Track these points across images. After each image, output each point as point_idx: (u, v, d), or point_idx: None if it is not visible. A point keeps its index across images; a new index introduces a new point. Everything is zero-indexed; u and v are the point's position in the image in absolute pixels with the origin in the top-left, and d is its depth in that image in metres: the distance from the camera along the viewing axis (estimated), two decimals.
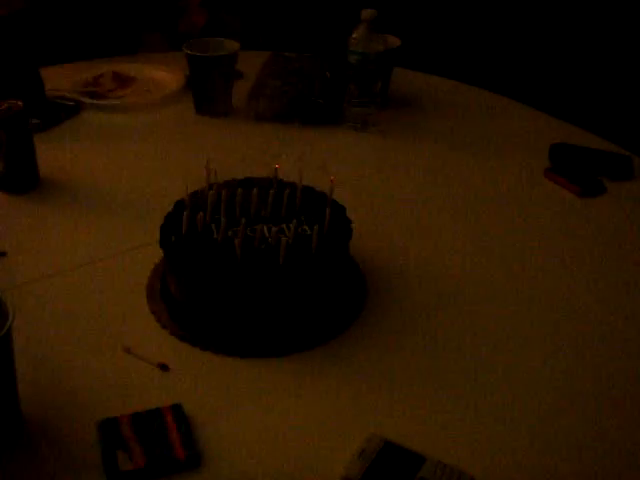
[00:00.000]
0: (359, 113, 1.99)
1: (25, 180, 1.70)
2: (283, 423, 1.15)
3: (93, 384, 1.20)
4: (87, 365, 1.24)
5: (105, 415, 1.11)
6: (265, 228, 1.33)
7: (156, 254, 1.37)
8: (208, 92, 2.05)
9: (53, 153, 1.86)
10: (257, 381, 1.23)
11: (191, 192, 1.38)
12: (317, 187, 1.44)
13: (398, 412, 1.18)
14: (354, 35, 1.93)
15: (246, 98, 2.07)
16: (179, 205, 1.37)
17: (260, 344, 1.28)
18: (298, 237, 1.31)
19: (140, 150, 1.91)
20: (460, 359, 1.29)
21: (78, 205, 1.68)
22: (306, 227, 1.34)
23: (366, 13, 1.91)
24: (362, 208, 1.57)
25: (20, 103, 1.64)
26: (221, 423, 1.14)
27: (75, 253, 1.51)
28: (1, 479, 1.03)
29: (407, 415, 1.17)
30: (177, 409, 1.12)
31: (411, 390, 1.22)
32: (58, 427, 1.12)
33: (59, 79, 2.14)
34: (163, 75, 2.22)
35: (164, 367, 1.23)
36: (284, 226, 1.33)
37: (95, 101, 2.12)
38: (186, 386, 1.21)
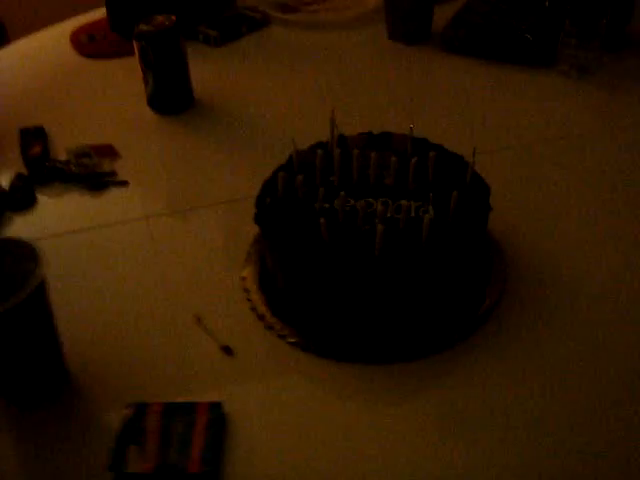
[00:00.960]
0: (577, 56, 1.59)
1: (175, 100, 1.57)
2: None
3: (145, 353, 1.07)
4: (146, 330, 1.11)
5: (141, 393, 0.98)
6: (378, 203, 1.07)
7: None
8: (404, 14, 1.77)
9: (222, 71, 1.72)
10: (351, 395, 1.02)
11: (311, 146, 1.16)
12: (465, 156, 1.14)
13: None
14: None
15: (447, 25, 1.75)
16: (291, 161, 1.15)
17: (367, 347, 1.05)
18: (410, 221, 1.04)
19: (315, 76, 1.70)
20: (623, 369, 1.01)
21: (224, 136, 1.53)
22: (429, 208, 1.06)
23: None
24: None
25: (173, 18, 1.50)
26: (271, 437, 0.96)
27: (202, 191, 1.38)
28: (46, 430, 0.97)
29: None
30: (215, 409, 0.95)
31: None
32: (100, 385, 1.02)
33: None
34: None
35: (228, 350, 1.06)
36: (405, 203, 1.06)
37: (284, 15, 1.92)
38: (251, 385, 1.03)
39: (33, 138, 1.51)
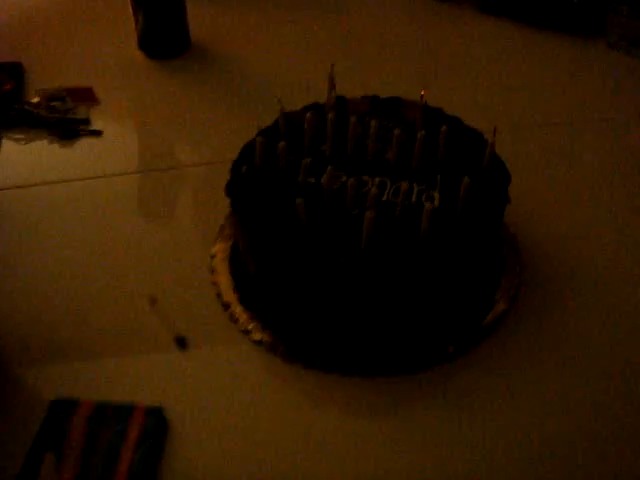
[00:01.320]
0: (627, 26, 1.38)
1: (168, 43, 1.40)
2: None
3: (85, 335, 0.91)
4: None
5: (72, 385, 0.83)
6: (374, 183, 0.89)
7: None
8: None
9: (225, 13, 1.54)
10: (321, 406, 0.86)
11: (304, 107, 0.98)
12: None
13: None
14: None
15: None
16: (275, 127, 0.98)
17: (346, 356, 0.89)
18: (409, 208, 0.86)
19: (326, 26, 1.51)
20: None
21: (219, 87, 1.35)
22: (435, 194, 0.89)
23: None
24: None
25: None
26: (222, 450, 0.80)
27: (182, 150, 1.22)
28: None
29: None
30: (154, 415, 0.80)
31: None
32: None
33: None
34: None
35: (181, 343, 0.90)
36: (406, 185, 0.89)
37: None
38: (203, 386, 0.87)
39: (7, 75, 1.34)
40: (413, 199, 0.88)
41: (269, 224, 0.84)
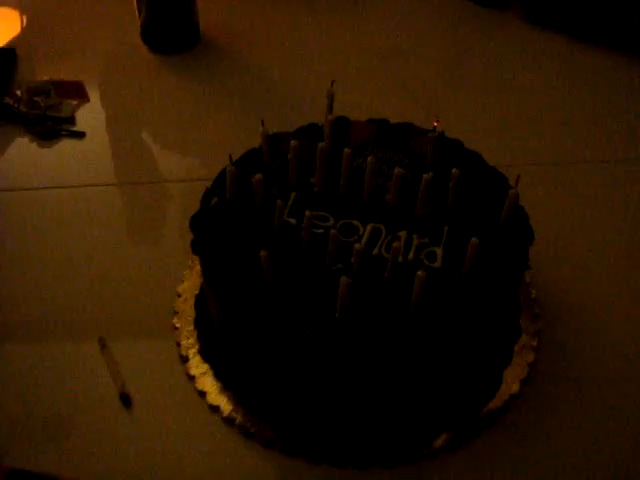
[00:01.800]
0: None
1: (174, 36, 1.26)
2: None
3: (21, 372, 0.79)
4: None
5: None
6: (366, 231, 0.74)
7: None
8: None
9: (241, 5, 1.39)
10: None
11: (298, 129, 0.84)
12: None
13: None
14: None
15: None
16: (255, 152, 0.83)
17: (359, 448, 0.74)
18: (403, 268, 0.71)
19: (351, 26, 1.35)
20: None
21: (227, 89, 1.20)
22: (438, 250, 0.73)
23: None
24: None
25: None
26: None
27: (171, 162, 1.08)
28: None
29: None
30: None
31: None
32: None
33: None
34: None
35: (126, 401, 0.76)
36: (404, 235, 0.74)
37: None
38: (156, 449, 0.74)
39: None
40: (410, 256, 0.73)
41: (231, 276, 0.70)
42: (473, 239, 0.68)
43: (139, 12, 1.24)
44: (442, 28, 1.34)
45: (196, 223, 0.75)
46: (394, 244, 0.68)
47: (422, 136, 0.85)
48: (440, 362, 0.70)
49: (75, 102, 1.15)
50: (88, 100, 1.16)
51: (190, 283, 0.86)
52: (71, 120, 1.13)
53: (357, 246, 0.68)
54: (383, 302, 0.68)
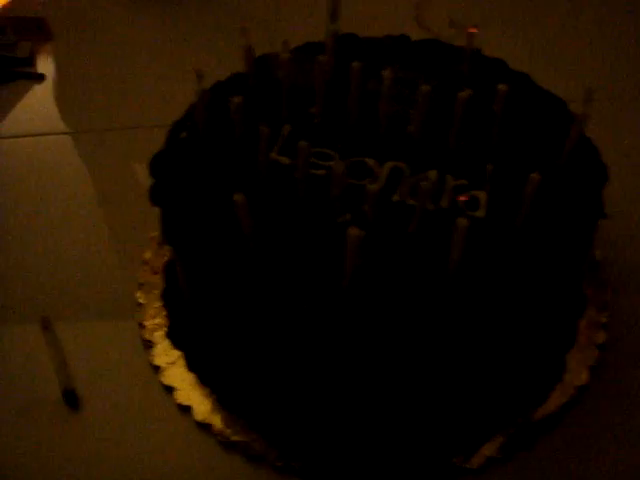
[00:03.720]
0: None
1: None
2: None
3: None
4: None
5: None
6: (384, 170, 0.55)
7: None
8: None
9: None
10: None
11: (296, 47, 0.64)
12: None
13: None
14: None
15: None
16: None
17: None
18: (436, 218, 0.52)
19: None
20: None
21: (204, 10, 1.01)
22: (481, 195, 0.54)
23: None
24: None
25: None
26: None
27: (143, 104, 0.89)
28: None
29: None
30: None
31: None
32: None
33: None
34: None
35: (71, 399, 0.58)
36: (434, 175, 0.55)
37: None
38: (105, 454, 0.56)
39: None
40: (444, 202, 0.54)
41: (200, 231, 0.51)
42: (533, 175, 0.49)
43: None
44: None
45: (157, 165, 0.57)
46: (422, 184, 0.49)
47: (452, 53, 0.66)
48: (485, 346, 0.51)
49: (35, 41, 0.97)
50: (51, 38, 0.98)
51: (156, 250, 0.67)
52: (29, 61, 0.94)
53: (372, 188, 0.49)
54: (407, 265, 0.49)
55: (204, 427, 0.56)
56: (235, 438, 0.55)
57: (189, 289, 0.57)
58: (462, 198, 0.49)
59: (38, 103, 0.90)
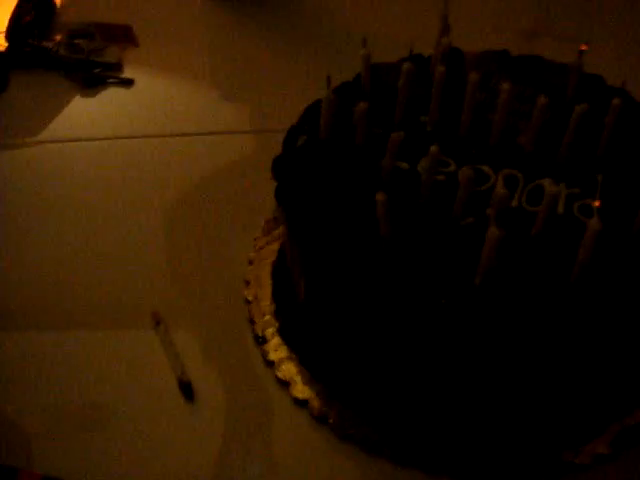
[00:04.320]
0: None
1: None
2: None
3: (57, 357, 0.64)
4: None
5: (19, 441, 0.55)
6: (499, 178, 0.58)
7: None
8: None
9: None
10: None
11: (401, 59, 0.67)
12: None
13: None
14: None
15: None
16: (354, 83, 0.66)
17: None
18: (557, 223, 0.54)
19: None
20: None
21: (292, 30, 1.05)
22: (594, 203, 0.56)
23: None
24: None
25: None
26: None
27: (233, 110, 0.92)
28: None
29: None
30: None
31: None
32: None
33: None
34: None
35: (188, 391, 0.61)
36: (549, 184, 0.57)
37: None
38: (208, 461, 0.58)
39: (32, 5, 1.07)
40: (559, 209, 0.56)
41: (330, 230, 0.54)
42: None
43: None
44: None
45: (280, 167, 0.59)
46: (550, 189, 0.51)
47: (553, 69, 0.68)
48: (603, 344, 0.53)
49: (121, 47, 1.00)
50: (137, 45, 1.01)
51: (264, 248, 0.70)
52: (117, 67, 0.97)
53: (500, 192, 0.51)
54: (534, 266, 0.51)
55: (320, 420, 0.58)
56: (351, 431, 0.57)
57: (308, 287, 0.59)
58: (596, 204, 0.52)
59: (128, 107, 0.93)
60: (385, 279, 0.50)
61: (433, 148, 0.53)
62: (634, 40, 1.00)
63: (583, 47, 0.62)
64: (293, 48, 1.01)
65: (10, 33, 1.00)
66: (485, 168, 0.59)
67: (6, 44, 0.98)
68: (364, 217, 0.53)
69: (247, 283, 0.68)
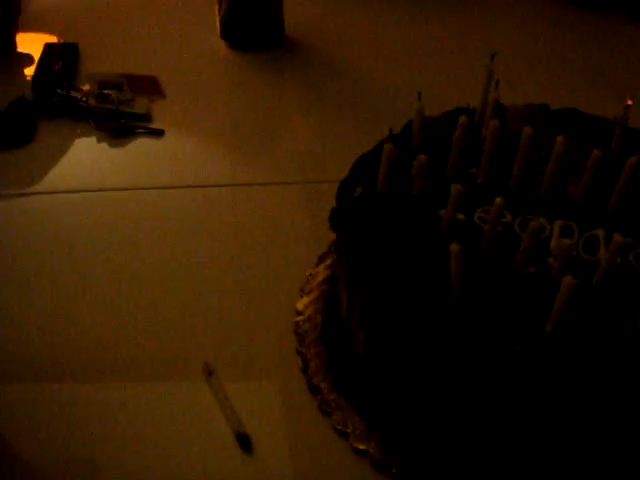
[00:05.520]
0: None
1: (257, 33, 1.13)
2: None
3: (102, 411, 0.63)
4: None
5: None
6: (555, 228, 0.59)
7: None
8: None
9: (331, 3, 1.25)
10: None
11: (445, 112, 0.69)
12: None
13: None
14: None
15: None
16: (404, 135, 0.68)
17: None
18: (618, 272, 0.55)
19: (448, 26, 1.21)
20: None
21: (317, 88, 1.07)
22: None
23: None
24: None
25: None
26: None
27: (268, 162, 0.94)
28: None
29: None
30: None
31: None
32: None
33: None
34: None
35: (245, 442, 0.60)
36: (602, 234, 0.59)
37: None
38: None
39: (58, 56, 1.08)
40: (617, 259, 0.57)
41: (396, 281, 0.54)
42: None
43: (219, 7, 1.12)
44: (551, 30, 1.20)
45: (338, 219, 0.60)
46: (615, 239, 0.52)
47: (592, 122, 0.70)
48: None
49: (149, 98, 1.02)
50: (164, 96, 1.02)
51: (310, 299, 0.70)
52: (146, 117, 0.99)
53: (565, 242, 0.52)
54: (600, 313, 0.52)
55: (381, 469, 0.58)
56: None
57: (369, 342, 0.59)
58: None
59: (158, 157, 0.94)
60: (456, 332, 0.51)
61: (498, 199, 0.54)
62: None
63: (629, 102, 0.64)
64: (317, 101, 1.03)
65: (37, 82, 1.01)
66: (541, 219, 0.60)
67: (33, 94, 1.00)
68: (427, 268, 0.54)
69: (297, 334, 0.68)
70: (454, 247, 0.50)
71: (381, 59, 1.12)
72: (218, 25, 1.13)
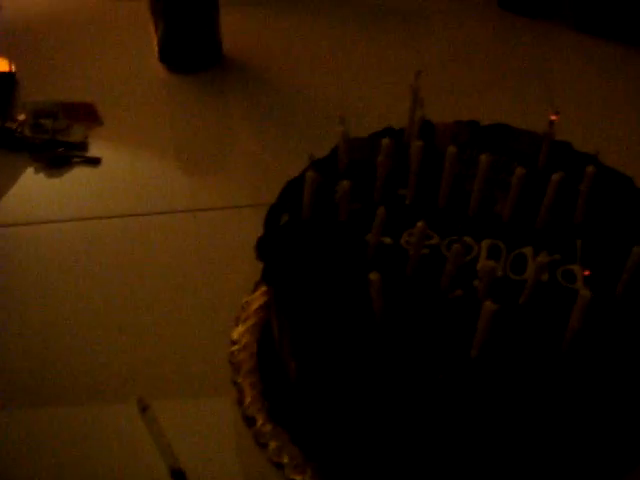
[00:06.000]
0: None
1: (194, 54, 1.11)
2: None
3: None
4: None
5: None
6: (482, 249, 0.59)
7: None
8: None
9: (266, 22, 1.25)
10: None
11: (374, 133, 0.69)
12: None
13: None
14: None
15: None
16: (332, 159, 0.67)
17: None
18: (545, 291, 0.55)
19: (387, 41, 1.21)
20: None
21: (256, 109, 1.06)
22: (575, 269, 0.58)
23: None
24: None
25: None
26: None
27: (203, 186, 0.93)
28: None
29: None
30: None
31: None
32: None
33: None
34: None
35: (179, 477, 0.59)
36: (530, 252, 0.59)
37: None
38: None
39: None
40: (545, 277, 0.57)
41: (321, 309, 0.54)
42: (636, 248, 0.53)
43: (156, 30, 1.10)
44: (496, 40, 1.21)
45: (265, 247, 0.59)
46: (539, 259, 0.52)
47: (521, 137, 0.70)
48: (608, 409, 0.54)
49: (86, 126, 1.00)
50: (101, 123, 1.01)
51: (246, 327, 0.69)
52: (83, 146, 0.97)
53: (488, 264, 0.52)
54: (526, 334, 0.52)
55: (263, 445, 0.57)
56: None
57: (301, 370, 0.58)
58: (586, 273, 0.53)
59: (96, 186, 0.92)
60: (381, 358, 0.50)
61: (420, 224, 0.53)
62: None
63: (553, 117, 0.64)
64: (259, 123, 1.03)
65: None
66: (467, 239, 0.60)
67: None
68: (354, 295, 0.53)
69: (232, 364, 0.67)
70: (373, 276, 0.49)
71: (317, 74, 1.11)
72: (156, 48, 1.12)
